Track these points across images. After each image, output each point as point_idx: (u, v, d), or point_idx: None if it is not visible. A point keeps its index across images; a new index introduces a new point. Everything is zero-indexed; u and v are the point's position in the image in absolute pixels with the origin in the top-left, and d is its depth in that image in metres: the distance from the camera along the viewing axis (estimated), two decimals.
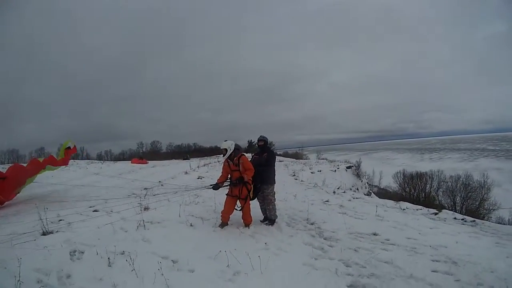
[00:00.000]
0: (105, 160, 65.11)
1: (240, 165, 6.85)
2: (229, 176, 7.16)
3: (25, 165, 9.69)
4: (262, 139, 7.58)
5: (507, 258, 5.46)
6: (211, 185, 7.41)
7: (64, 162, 11.61)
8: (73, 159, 56.49)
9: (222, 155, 7.08)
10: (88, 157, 77.77)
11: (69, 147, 11.76)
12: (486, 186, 40.45)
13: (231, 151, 6.95)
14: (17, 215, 7.20)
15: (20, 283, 3.65)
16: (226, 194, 7.12)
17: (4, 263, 4.25)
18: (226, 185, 7.20)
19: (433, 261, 5.34)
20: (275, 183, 7.55)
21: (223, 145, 6.96)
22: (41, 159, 10.34)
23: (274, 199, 7.50)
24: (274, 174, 7.55)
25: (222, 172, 7.27)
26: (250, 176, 6.84)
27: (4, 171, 8.65)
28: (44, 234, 5.59)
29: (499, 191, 44.79)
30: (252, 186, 6.95)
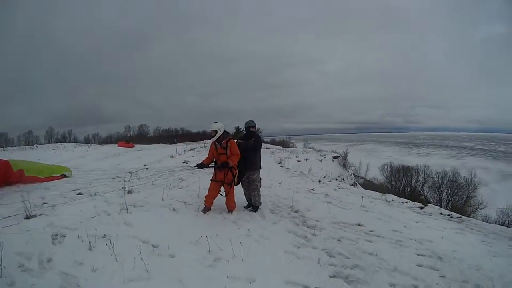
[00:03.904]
0: (92, 143, 64.92)
1: (228, 149, 6.73)
2: (214, 159, 7.07)
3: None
4: (254, 125, 7.51)
5: (493, 257, 5.44)
6: (196, 164, 7.31)
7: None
8: (60, 142, 56.43)
9: (210, 137, 6.96)
10: (75, 140, 77.54)
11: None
12: (473, 184, 40.89)
13: (221, 133, 6.82)
14: (2, 198, 6.98)
15: (2, 268, 3.59)
16: (210, 180, 7.02)
17: None
18: (211, 166, 7.14)
19: (418, 255, 5.32)
20: (260, 168, 7.48)
21: (212, 127, 6.81)
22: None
23: (260, 185, 7.45)
24: (260, 160, 7.47)
25: (208, 155, 7.19)
26: (236, 161, 6.74)
27: None
28: (27, 217, 5.46)
29: (486, 190, 45.41)
30: (237, 171, 6.87)
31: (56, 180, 9.43)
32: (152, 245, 4.84)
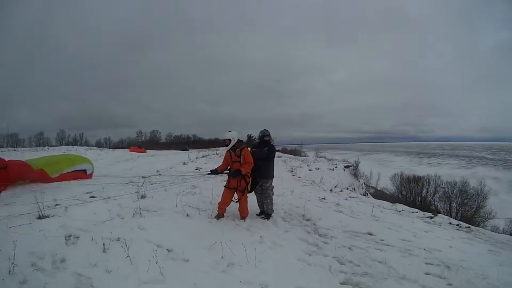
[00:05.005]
0: (104, 147, 65.25)
1: (241, 157, 6.84)
2: (228, 166, 7.18)
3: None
4: (268, 134, 7.58)
5: (500, 266, 5.48)
6: (210, 170, 7.43)
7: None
8: (72, 145, 56.90)
9: (225, 145, 7.07)
10: (87, 144, 78.05)
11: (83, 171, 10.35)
12: (483, 194, 40.26)
13: (235, 141, 6.94)
14: (14, 198, 7.07)
15: (14, 266, 3.63)
16: (224, 186, 7.12)
17: None
18: (226, 173, 7.25)
19: (426, 263, 5.37)
20: (273, 177, 7.56)
21: (226, 136, 6.95)
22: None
23: (272, 193, 7.52)
24: (273, 169, 7.55)
25: (222, 162, 7.31)
26: (248, 169, 6.84)
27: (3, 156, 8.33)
28: (40, 218, 5.51)
29: (496, 200, 44.71)
30: (250, 179, 6.96)
31: (73, 181, 9.55)
32: (167, 249, 4.91)
